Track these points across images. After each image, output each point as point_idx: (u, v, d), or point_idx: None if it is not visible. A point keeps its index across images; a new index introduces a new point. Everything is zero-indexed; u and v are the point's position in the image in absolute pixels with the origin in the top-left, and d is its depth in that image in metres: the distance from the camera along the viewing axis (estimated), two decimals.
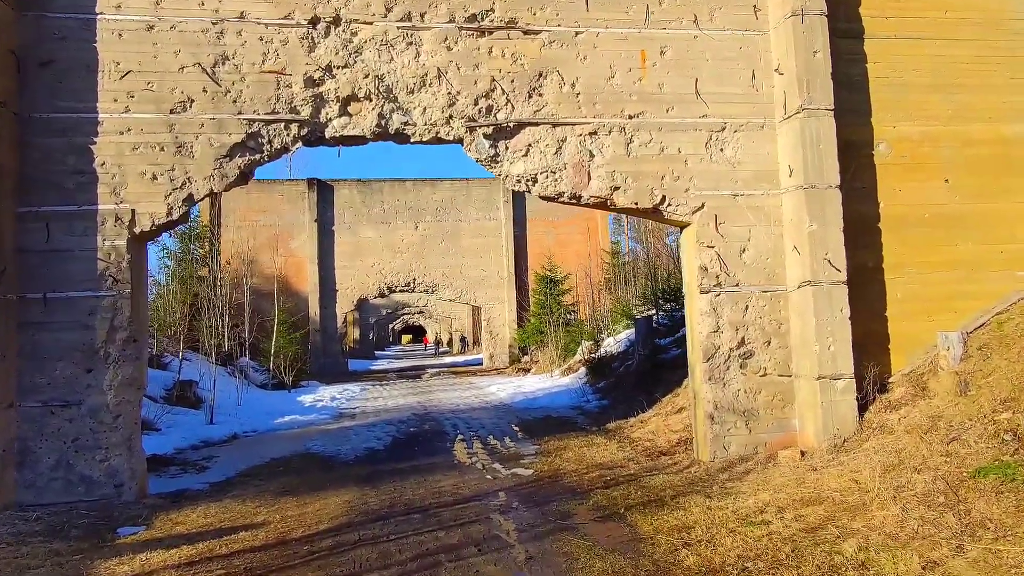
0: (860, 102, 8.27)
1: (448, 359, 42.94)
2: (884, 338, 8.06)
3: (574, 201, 7.92)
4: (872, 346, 7.93)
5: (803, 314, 7.71)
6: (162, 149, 7.05)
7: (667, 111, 7.93)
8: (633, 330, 18.87)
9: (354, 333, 49.17)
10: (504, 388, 18.14)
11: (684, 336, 15.66)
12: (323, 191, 29.09)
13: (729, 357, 7.84)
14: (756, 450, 7.71)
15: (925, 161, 8.42)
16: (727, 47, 8.07)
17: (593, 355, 16.76)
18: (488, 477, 7.79)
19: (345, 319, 30.16)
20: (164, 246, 23.53)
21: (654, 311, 18.12)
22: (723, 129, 7.99)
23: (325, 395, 18.42)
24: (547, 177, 7.76)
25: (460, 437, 10.82)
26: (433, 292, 30.27)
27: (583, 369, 17.90)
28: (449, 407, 14.97)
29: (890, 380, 7.97)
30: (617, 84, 7.88)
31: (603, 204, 7.93)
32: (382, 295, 30.32)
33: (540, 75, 7.75)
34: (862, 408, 7.58)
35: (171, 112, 7.07)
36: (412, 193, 29.76)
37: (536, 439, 10.26)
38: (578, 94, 7.81)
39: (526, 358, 26.13)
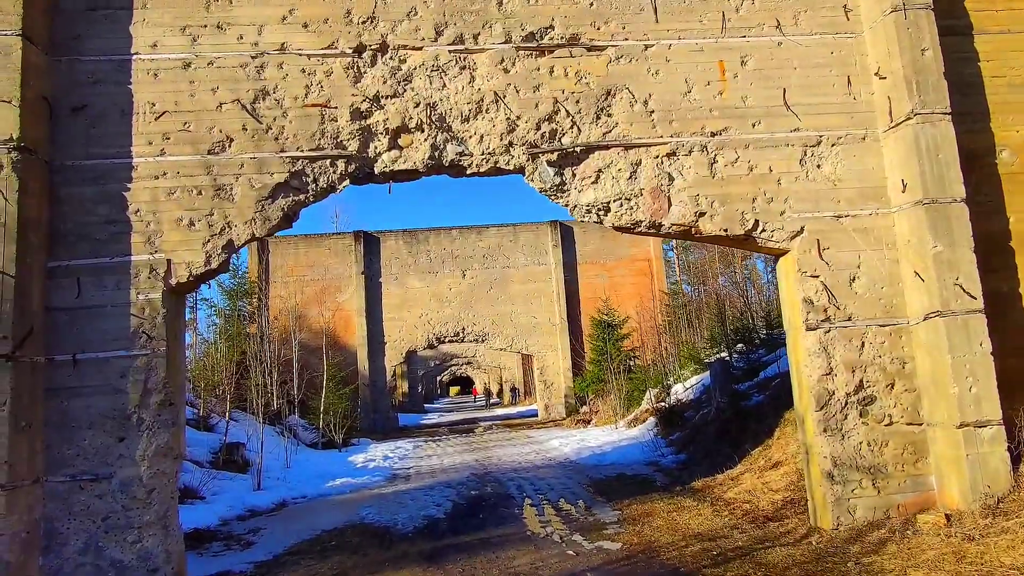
0: (975, 105, 7.24)
1: (500, 411, 41.77)
2: None
3: (653, 231, 7.02)
4: (1012, 386, 6.68)
5: (933, 350, 6.55)
6: (200, 193, 6.44)
7: (753, 126, 7.02)
8: (705, 376, 17.62)
9: (403, 386, 48.54)
10: (566, 443, 16.97)
11: (765, 381, 14.45)
12: (369, 243, 28.84)
13: (846, 404, 6.69)
14: (888, 514, 6.48)
15: None
16: (816, 53, 7.17)
17: (663, 403, 15.55)
18: (570, 553, 6.71)
19: (394, 372, 29.54)
20: (212, 303, 23.39)
21: (726, 354, 16.88)
22: (818, 143, 7.04)
23: (377, 454, 17.55)
24: (621, 205, 6.89)
25: (528, 501, 9.76)
26: (483, 342, 29.45)
27: (652, 419, 16.64)
28: (510, 465, 13.90)
29: None
30: (695, 99, 7.03)
31: (687, 233, 7.00)
32: (431, 346, 29.63)
33: (608, 94, 6.95)
34: (1014, 460, 6.32)
35: (209, 153, 6.48)
36: (458, 241, 29.27)
37: (614, 502, 9.14)
38: (651, 112, 6.98)
39: (585, 408, 24.87)
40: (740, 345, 17.40)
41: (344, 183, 6.66)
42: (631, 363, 22.67)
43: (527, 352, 29.69)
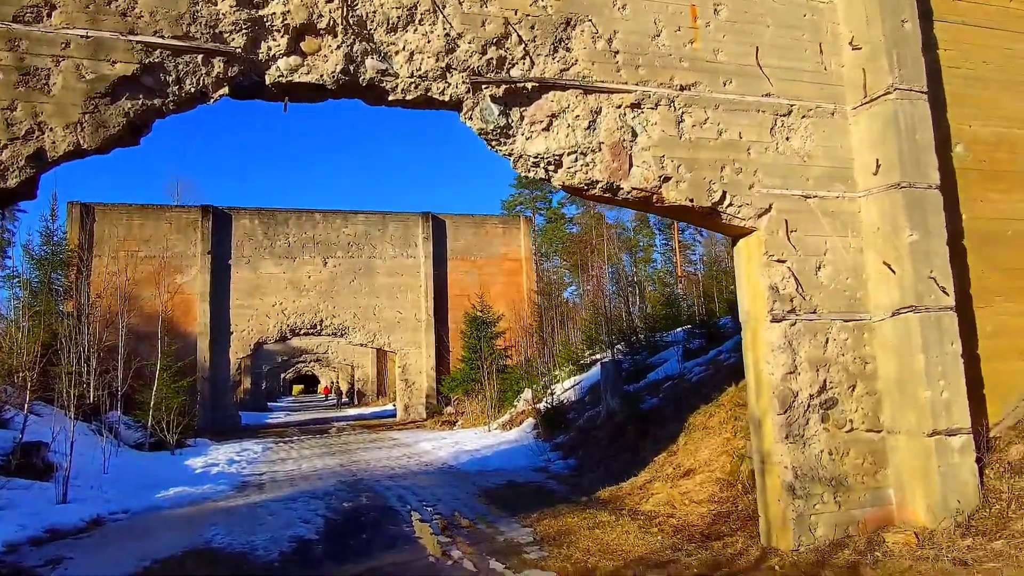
0: (934, 94, 6.80)
1: (352, 411, 39.30)
2: (978, 382, 6.39)
3: (608, 195, 5.86)
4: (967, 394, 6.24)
5: (900, 350, 5.93)
6: None
7: (724, 84, 6.10)
8: (584, 376, 16.92)
9: (245, 382, 44.46)
10: (439, 446, 15.52)
11: (654, 383, 13.90)
12: (219, 220, 25.65)
13: (808, 407, 5.92)
14: (848, 531, 5.76)
15: (1005, 169, 7.03)
16: (791, 13, 6.40)
17: (543, 404, 14.56)
18: None
19: (239, 366, 26.46)
20: (15, 272, 19.46)
21: (609, 354, 16.26)
22: (789, 113, 6.25)
23: (220, 457, 15.09)
24: (576, 160, 5.67)
25: (416, 516, 8.27)
26: (342, 336, 27.16)
27: (530, 421, 15.64)
28: (383, 472, 12.23)
29: (992, 435, 6.32)
30: (664, 45, 5.98)
31: (646, 200, 5.91)
32: (284, 338, 26.94)
33: (568, 24, 5.72)
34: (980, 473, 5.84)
35: (15, 20, 4.45)
36: (321, 226, 26.86)
37: (518, 516, 7.89)
38: (616, 53, 5.84)
39: (450, 409, 23.51)
40: (619, 346, 16.90)
41: (220, 91, 4.88)
42: (503, 363, 21.66)
43: (390, 349, 27.82)
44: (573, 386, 16.41)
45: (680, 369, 12.81)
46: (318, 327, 26.45)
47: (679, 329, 15.59)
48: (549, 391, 15.31)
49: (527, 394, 17.31)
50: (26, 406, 11.32)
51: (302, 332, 26.61)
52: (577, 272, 48.12)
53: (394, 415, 29.94)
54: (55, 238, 20.41)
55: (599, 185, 5.74)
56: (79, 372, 16.04)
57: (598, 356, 18.37)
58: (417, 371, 27.26)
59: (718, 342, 13.02)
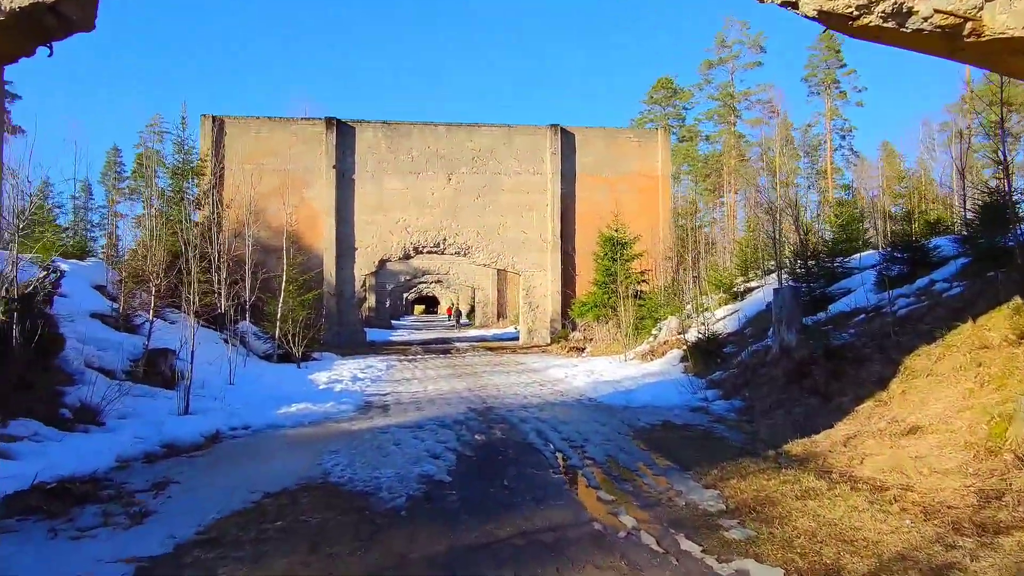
0: None
1: (473, 332, 39.12)
2: None
3: (893, 22, 3.83)
4: None
5: None
6: None
7: None
8: (740, 305, 14.86)
9: (370, 300, 45.40)
10: (572, 374, 14.17)
11: (839, 316, 11.56)
12: (343, 133, 25.00)
13: None
14: None
15: None
16: None
17: (699, 335, 12.72)
18: None
19: (364, 282, 26.25)
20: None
21: (762, 282, 14.05)
22: None
23: (344, 373, 14.55)
24: None
25: (562, 457, 6.92)
26: (465, 255, 26.21)
27: (675, 353, 13.91)
28: (515, 400, 11.03)
29: None
30: None
31: (953, 32, 3.83)
32: (407, 256, 26.30)
33: None
34: None
35: None
36: (445, 139, 25.60)
37: (692, 470, 6.33)
38: None
39: (576, 335, 22.14)
40: (785, 274, 14.59)
41: None
42: (638, 288, 19.84)
43: (514, 270, 26.63)
44: (726, 316, 14.43)
45: (875, 300, 10.54)
46: (441, 245, 25.63)
47: (868, 252, 13.06)
48: (701, 320, 13.40)
49: (671, 322, 15.51)
50: (152, 310, 10.93)
51: (425, 250, 25.88)
52: (711, 195, 44.66)
53: (516, 338, 29.12)
54: (185, 146, 20.34)
55: (880, 7, 3.73)
56: (208, 281, 15.90)
57: (754, 283, 16.16)
58: (542, 294, 26.01)
59: (925, 269, 10.56)
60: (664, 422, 8.95)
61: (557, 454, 7.13)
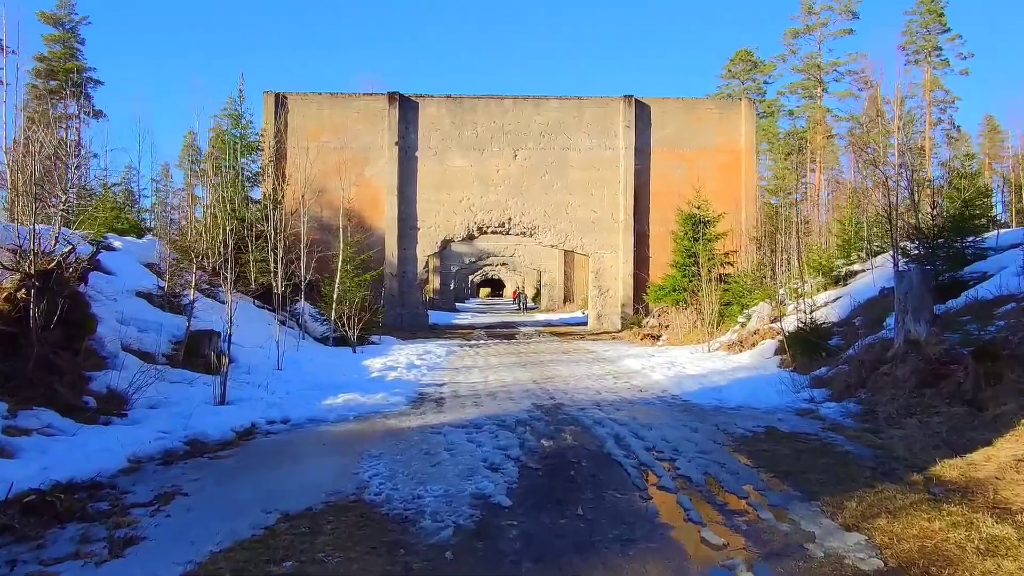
0: None
1: (539, 316, 37.91)
2: None
3: None
4: None
5: None
6: None
7: None
8: (836, 292, 13.07)
9: (434, 281, 44.80)
10: (650, 365, 12.74)
11: (978, 305, 9.67)
12: (405, 108, 24.03)
13: None
14: None
15: None
16: None
17: (800, 325, 11.06)
18: None
19: (426, 264, 25.36)
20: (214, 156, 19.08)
21: (867, 264, 12.20)
22: None
23: (400, 359, 13.57)
24: None
25: (651, 477, 5.59)
26: (531, 235, 24.91)
27: (768, 344, 12.29)
28: (586, 396, 9.73)
29: None
30: None
31: None
32: (471, 236, 25.20)
33: None
34: None
35: None
36: (511, 113, 24.29)
37: (819, 498, 4.91)
38: None
39: (651, 321, 20.57)
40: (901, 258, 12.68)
41: None
42: (722, 272, 18.12)
43: (582, 251, 25.16)
44: (828, 302, 12.68)
45: (1012, 285, 8.71)
46: (506, 225, 24.42)
47: (1006, 230, 11.08)
48: (800, 307, 11.72)
49: (762, 309, 13.84)
50: (194, 287, 10.14)
51: (489, 230, 24.73)
52: (791, 175, 41.83)
53: (583, 323, 27.75)
54: (243, 120, 19.76)
55: None
56: (264, 260, 15.21)
57: (856, 267, 14.27)
58: (612, 277, 24.50)
59: None
60: (768, 429, 7.48)
61: (643, 470, 5.81)
